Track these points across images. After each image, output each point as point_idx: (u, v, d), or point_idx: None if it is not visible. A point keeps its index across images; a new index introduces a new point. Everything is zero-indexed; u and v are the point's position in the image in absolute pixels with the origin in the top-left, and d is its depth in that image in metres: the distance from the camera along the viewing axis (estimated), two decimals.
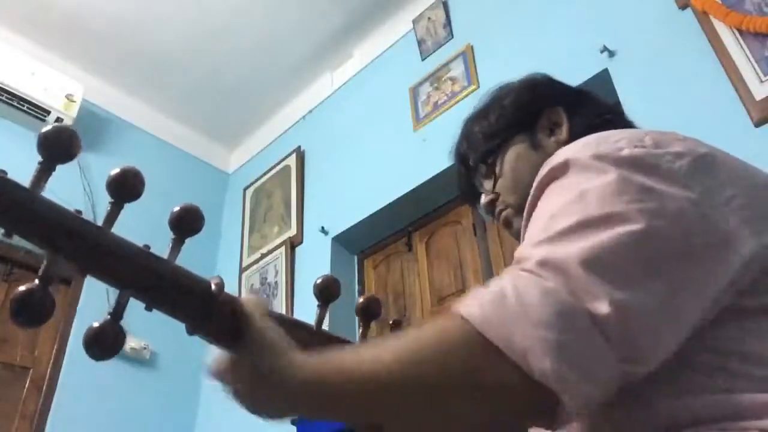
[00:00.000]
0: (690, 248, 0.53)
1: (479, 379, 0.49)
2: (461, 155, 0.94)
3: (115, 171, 0.47)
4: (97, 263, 0.45)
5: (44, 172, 0.44)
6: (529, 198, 0.65)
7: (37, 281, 0.43)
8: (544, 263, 0.52)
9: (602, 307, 0.48)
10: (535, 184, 0.65)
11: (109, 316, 0.47)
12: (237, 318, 0.50)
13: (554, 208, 0.58)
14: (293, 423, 2.28)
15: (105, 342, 0.46)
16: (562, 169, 0.61)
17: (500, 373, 0.48)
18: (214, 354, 0.52)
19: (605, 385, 0.49)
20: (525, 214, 0.66)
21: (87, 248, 0.45)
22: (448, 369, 0.49)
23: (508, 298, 0.50)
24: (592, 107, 0.87)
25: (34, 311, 0.43)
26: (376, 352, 0.50)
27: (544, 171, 0.64)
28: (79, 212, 0.45)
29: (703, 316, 0.54)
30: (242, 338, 0.50)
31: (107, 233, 0.46)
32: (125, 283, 0.47)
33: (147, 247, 0.48)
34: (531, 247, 0.55)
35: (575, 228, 0.54)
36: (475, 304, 0.51)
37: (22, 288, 0.43)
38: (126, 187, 0.47)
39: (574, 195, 0.57)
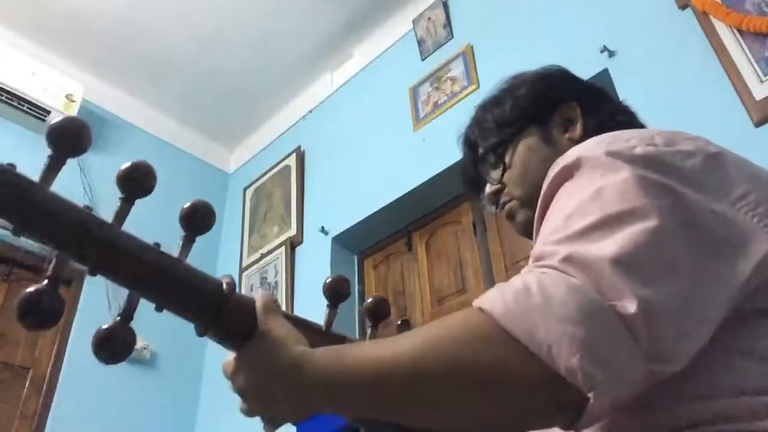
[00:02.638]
0: (708, 245, 0.53)
1: (500, 372, 0.48)
2: (470, 142, 0.92)
3: (126, 165, 0.44)
4: (109, 262, 0.43)
5: (54, 166, 0.41)
6: (542, 196, 0.64)
7: (45, 281, 0.41)
8: (568, 260, 0.51)
9: (630, 307, 0.47)
10: (547, 183, 0.64)
11: (119, 318, 0.44)
12: (248, 318, 0.49)
13: (570, 207, 0.57)
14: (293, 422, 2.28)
15: (115, 345, 0.44)
16: (575, 167, 0.60)
17: (522, 367, 0.47)
18: (227, 356, 0.52)
19: (633, 386, 0.48)
20: (537, 212, 0.65)
21: (98, 246, 0.42)
22: (467, 360, 0.48)
23: (533, 292, 0.49)
24: (608, 106, 0.85)
25: (43, 313, 0.40)
26: (395, 345, 0.50)
27: (556, 169, 0.63)
28: (90, 208, 0.42)
29: (727, 310, 0.53)
30: (252, 337, 0.49)
31: (119, 231, 0.44)
32: (136, 283, 0.44)
33: (157, 245, 0.46)
34: (551, 245, 0.54)
35: (595, 226, 0.53)
36: (496, 298, 0.50)
37: (30, 289, 0.40)
38: (137, 182, 0.44)
39: (590, 193, 0.56)
